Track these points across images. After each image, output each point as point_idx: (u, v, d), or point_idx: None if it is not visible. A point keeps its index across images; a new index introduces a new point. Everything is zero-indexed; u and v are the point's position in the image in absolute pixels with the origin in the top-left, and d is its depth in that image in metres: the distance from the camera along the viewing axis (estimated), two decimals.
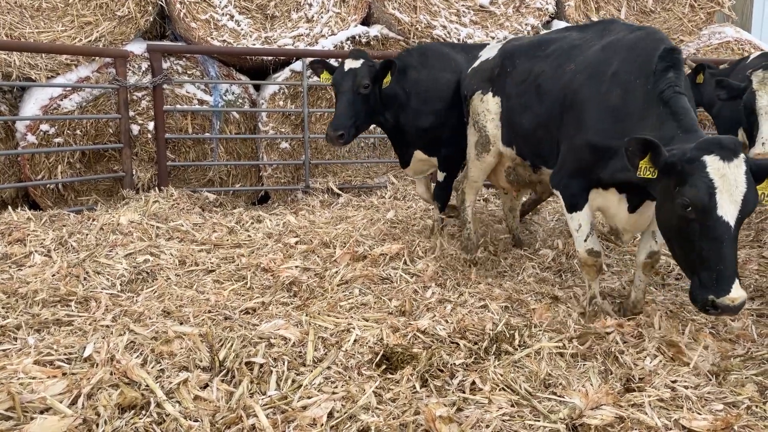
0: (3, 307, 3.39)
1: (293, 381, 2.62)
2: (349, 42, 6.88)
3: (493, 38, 7.30)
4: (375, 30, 7.02)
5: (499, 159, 4.30)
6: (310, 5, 6.88)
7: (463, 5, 7.23)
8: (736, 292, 2.39)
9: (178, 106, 6.48)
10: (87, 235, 4.86)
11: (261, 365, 2.68)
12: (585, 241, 3.34)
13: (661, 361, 2.80)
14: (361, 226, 5.29)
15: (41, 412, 2.25)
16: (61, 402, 2.32)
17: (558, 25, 7.54)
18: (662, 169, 2.60)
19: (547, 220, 5.89)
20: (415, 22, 7.04)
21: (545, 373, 2.76)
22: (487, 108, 4.16)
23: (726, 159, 2.43)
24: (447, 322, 3.26)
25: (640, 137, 2.61)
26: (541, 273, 4.31)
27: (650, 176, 2.65)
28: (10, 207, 5.49)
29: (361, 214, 5.86)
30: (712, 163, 2.44)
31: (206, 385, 2.55)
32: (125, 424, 2.24)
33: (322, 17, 6.92)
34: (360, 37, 6.94)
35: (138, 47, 6.35)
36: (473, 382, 2.69)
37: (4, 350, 2.82)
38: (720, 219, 2.42)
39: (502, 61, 4.06)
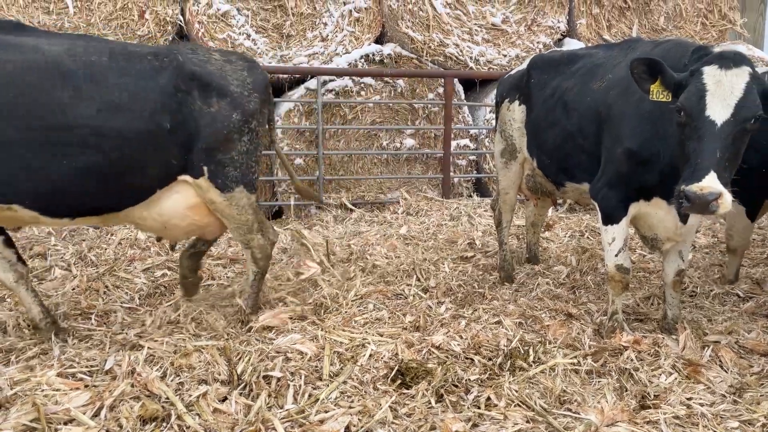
0: (25, 320, 3.47)
1: (310, 395, 2.66)
2: (362, 60, 6.99)
3: (505, 56, 7.38)
4: (388, 48, 7.13)
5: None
6: (325, 24, 7.01)
7: (475, 24, 7.32)
8: (707, 182, 2.36)
9: None
10: (106, 249, 4.95)
11: (278, 379, 2.72)
12: (616, 255, 3.31)
13: (676, 379, 2.81)
14: (373, 241, 5.33)
15: (65, 423, 2.30)
16: (84, 413, 2.37)
17: (570, 43, 7.61)
18: (674, 92, 2.65)
19: (560, 236, 5.90)
20: (428, 41, 7.14)
21: (560, 389, 2.77)
22: (513, 117, 4.23)
23: (724, 67, 2.49)
24: (461, 337, 3.28)
25: (642, 57, 2.70)
26: (554, 289, 4.32)
27: (665, 99, 2.68)
28: None
29: (375, 230, 5.91)
30: (710, 71, 2.52)
31: (225, 398, 2.59)
32: None
33: (336, 36, 7.04)
34: (374, 55, 7.05)
35: None
36: (488, 398, 2.71)
37: (27, 362, 2.88)
38: (707, 119, 2.46)
39: (529, 71, 4.14)
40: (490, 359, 3.08)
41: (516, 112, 4.20)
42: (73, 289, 4.09)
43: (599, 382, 2.85)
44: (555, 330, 3.34)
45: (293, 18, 6.89)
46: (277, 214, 7.30)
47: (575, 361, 3.01)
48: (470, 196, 7.44)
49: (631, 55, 3.34)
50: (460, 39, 7.25)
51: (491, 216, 6.59)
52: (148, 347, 3.07)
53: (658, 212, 3.13)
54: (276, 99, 6.98)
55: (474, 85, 7.68)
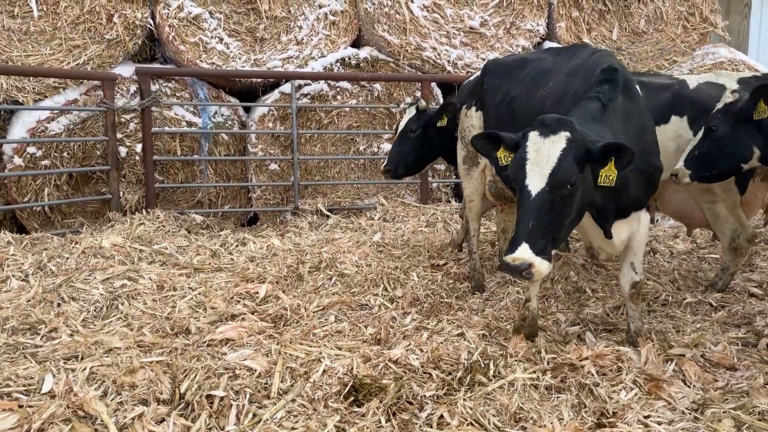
0: None
1: (254, 415, 2.54)
2: (338, 64, 6.89)
3: (483, 60, 7.29)
4: (365, 52, 7.04)
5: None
6: (300, 28, 6.90)
7: (453, 27, 7.24)
8: (519, 253, 2.51)
9: (167, 128, 6.47)
10: (68, 258, 4.81)
11: (221, 398, 2.60)
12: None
13: (636, 395, 2.71)
14: (345, 249, 5.22)
15: None
16: None
17: (550, 46, 7.54)
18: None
19: None
20: (405, 44, 7.05)
21: (517, 406, 2.66)
22: (472, 123, 4.16)
23: (543, 135, 2.59)
24: (422, 351, 3.17)
25: (479, 134, 2.88)
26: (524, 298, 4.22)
27: (506, 164, 2.79)
28: None
29: (348, 236, 5.80)
30: (532, 137, 2.62)
31: (163, 420, 2.47)
32: None
33: (312, 39, 6.94)
34: (350, 59, 6.95)
35: (126, 70, 6.37)
36: (441, 416, 2.60)
37: None
38: (526, 188, 2.58)
39: (483, 77, 4.06)
40: (449, 374, 2.96)
41: (473, 118, 4.14)
42: (28, 300, 3.95)
43: (558, 398, 2.75)
44: (516, 343, 3.23)
45: (267, 21, 6.79)
46: (252, 220, 7.18)
47: (535, 375, 2.91)
48: (449, 201, 7.35)
49: (574, 61, 3.27)
50: (437, 42, 7.16)
51: None
52: (93, 363, 2.95)
53: (585, 222, 3.10)
54: (250, 104, 6.88)
55: (452, 89, 7.59)
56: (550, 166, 2.54)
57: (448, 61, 7.15)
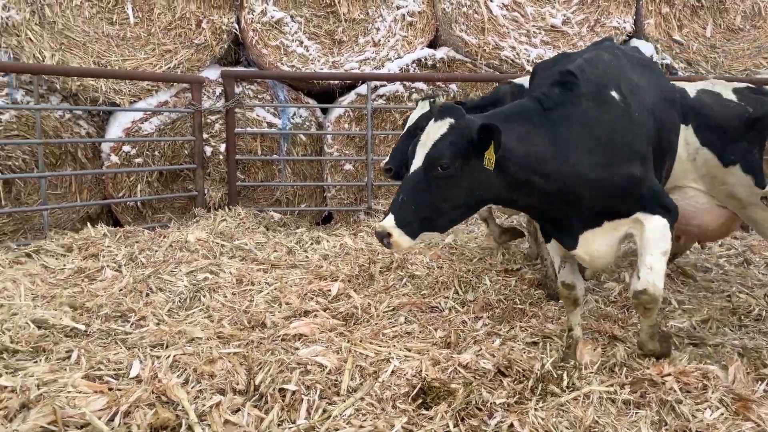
0: (72, 319, 3.60)
1: (324, 411, 2.59)
2: (414, 65, 6.91)
3: None
4: (441, 52, 7.01)
5: None
6: (378, 30, 6.97)
7: (533, 25, 7.07)
8: (384, 222, 2.64)
9: (249, 128, 6.73)
10: (156, 251, 5.10)
11: (293, 392, 2.67)
12: (558, 272, 3.28)
13: (723, 414, 2.54)
14: (416, 250, 5.22)
15: (80, 428, 2.35)
16: (100, 418, 2.41)
17: (637, 44, 7.21)
18: None
19: None
20: (482, 44, 6.96)
21: (592, 419, 2.57)
22: None
23: (434, 121, 2.71)
24: (492, 356, 3.13)
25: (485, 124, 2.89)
26: (604, 308, 4.07)
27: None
28: (95, 223, 5.90)
29: (419, 238, 5.78)
30: (429, 124, 2.74)
31: (238, 410, 2.57)
32: None
33: (388, 41, 6.99)
34: (426, 59, 6.95)
35: (213, 73, 6.67)
36: (511, 425, 2.55)
37: (59, 363, 2.98)
38: (411, 167, 2.70)
39: (531, 78, 3.98)
40: (520, 382, 2.91)
41: None
42: (120, 290, 4.23)
43: (637, 413, 2.63)
44: (592, 354, 3.12)
45: (345, 24, 6.90)
46: (327, 219, 7.33)
47: (612, 389, 2.79)
48: None
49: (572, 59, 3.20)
50: (516, 42, 7.02)
51: None
52: (176, 352, 3.11)
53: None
54: (327, 105, 7.02)
55: None
56: (427, 147, 2.66)
57: (528, 61, 6.99)
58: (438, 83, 6.99)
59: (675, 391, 2.72)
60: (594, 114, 2.85)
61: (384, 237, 2.64)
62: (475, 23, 6.93)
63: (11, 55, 5.91)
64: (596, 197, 2.86)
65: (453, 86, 7.05)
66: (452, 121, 2.66)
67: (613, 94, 2.92)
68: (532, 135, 2.76)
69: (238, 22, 6.69)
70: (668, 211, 2.99)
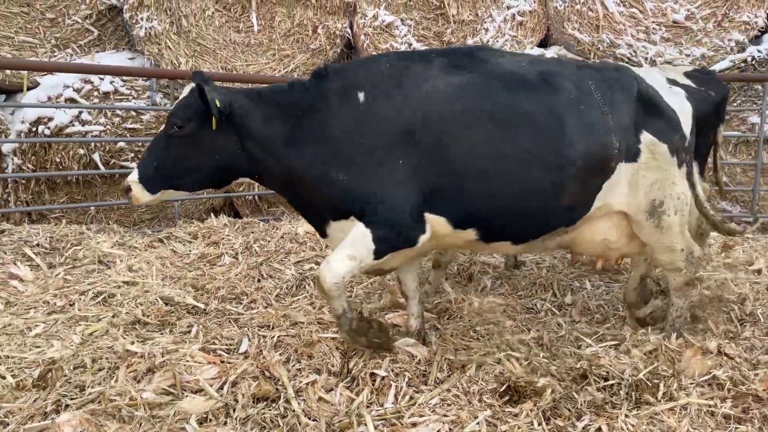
0: (194, 299, 4.02)
1: (410, 398, 2.71)
2: None
3: (687, 56, 6.66)
4: (551, 51, 6.88)
5: None
6: (486, 30, 6.98)
7: (653, 21, 6.73)
8: (128, 177, 2.91)
9: None
10: (269, 242, 5.50)
11: (383, 378, 2.82)
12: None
13: None
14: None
15: (194, 392, 2.65)
16: (211, 386, 2.71)
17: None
18: None
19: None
20: (596, 42, 6.73)
21: (686, 431, 2.48)
22: None
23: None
24: (584, 360, 3.08)
25: None
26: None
27: None
28: (218, 213, 6.46)
29: None
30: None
31: (331, 389, 2.76)
32: (256, 413, 2.53)
33: (497, 41, 6.97)
34: None
35: None
36: (599, 429, 2.53)
37: (181, 335, 3.35)
38: None
39: None
40: (612, 387, 2.85)
41: None
42: (236, 275, 4.63)
43: (737, 429, 2.49)
44: (694, 365, 2.97)
45: (454, 26, 6.98)
46: None
47: (712, 402, 2.66)
48: None
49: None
50: (634, 39, 6.72)
51: None
52: (281, 333, 3.38)
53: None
54: None
55: None
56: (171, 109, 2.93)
57: (646, 58, 6.66)
58: None
59: None
60: (333, 111, 2.80)
61: (127, 190, 2.89)
62: (589, 20, 6.72)
63: (153, 62, 6.63)
64: (313, 191, 2.82)
65: None
66: (193, 85, 2.81)
67: (360, 95, 2.80)
68: (275, 118, 2.82)
69: (351, 27, 7.00)
70: (387, 225, 2.75)
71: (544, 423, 2.56)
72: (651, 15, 6.72)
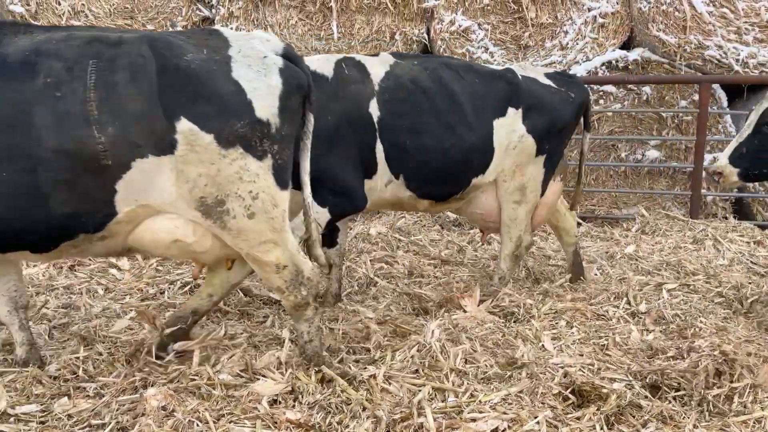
0: (269, 290, 4.25)
1: (471, 395, 2.76)
2: (603, 67, 6.67)
3: None
4: (635, 54, 6.67)
5: None
6: (566, 33, 6.87)
7: (745, 21, 6.37)
8: None
9: None
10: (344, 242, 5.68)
11: (446, 374, 2.88)
12: None
13: None
14: (590, 258, 5.09)
15: (264, 377, 2.82)
16: (280, 372, 2.87)
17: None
18: None
19: None
20: (683, 43, 6.46)
21: None
22: None
23: None
24: (651, 366, 3.00)
25: None
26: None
27: None
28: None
29: (596, 246, 5.61)
30: None
31: (392, 380, 2.85)
32: (323, 398, 2.66)
33: (577, 44, 6.84)
34: (617, 61, 6.67)
35: None
36: None
37: (258, 324, 3.58)
38: None
39: None
40: (682, 398, 2.78)
41: None
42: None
43: None
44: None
45: (532, 29, 6.92)
46: None
47: None
48: (725, 217, 6.50)
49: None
50: (724, 40, 6.39)
51: (746, 242, 5.70)
52: (345, 327, 3.51)
53: None
54: None
55: (740, 91, 6.67)
56: None
57: (737, 60, 6.32)
58: (631, 86, 6.66)
59: None
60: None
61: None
62: (676, 21, 6.46)
63: None
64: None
65: (647, 89, 6.65)
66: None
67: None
68: None
69: (428, 32, 7.09)
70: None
71: (606, 428, 2.54)
72: (743, 15, 6.36)
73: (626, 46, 6.95)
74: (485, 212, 4.16)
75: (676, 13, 6.46)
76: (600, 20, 6.80)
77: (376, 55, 3.86)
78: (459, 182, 3.91)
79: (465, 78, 3.83)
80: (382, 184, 3.71)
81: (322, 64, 3.59)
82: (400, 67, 3.75)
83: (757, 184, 6.30)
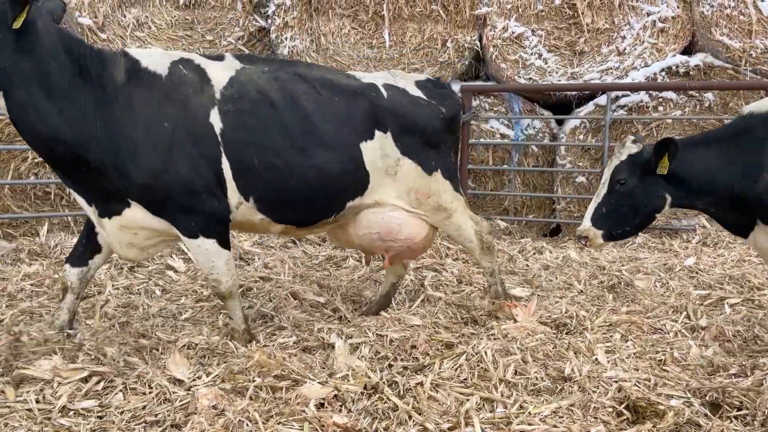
0: (315, 294, 4.31)
1: (521, 406, 2.70)
2: (663, 73, 6.45)
3: None
4: (696, 59, 6.43)
5: None
6: (623, 38, 6.69)
7: None
8: None
9: (482, 140, 7.03)
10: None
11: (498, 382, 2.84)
12: None
13: None
14: (647, 270, 4.92)
15: (310, 380, 2.84)
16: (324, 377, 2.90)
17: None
18: None
19: None
20: (749, 48, 6.19)
21: None
22: None
23: None
24: (711, 383, 2.87)
25: None
26: None
27: None
28: None
29: (654, 257, 5.41)
30: None
31: (440, 389, 2.82)
32: (370, 404, 2.67)
33: (635, 49, 6.65)
34: (677, 67, 6.45)
35: (455, 88, 7.13)
36: None
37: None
38: None
39: None
40: (745, 417, 2.64)
41: None
42: (359, 277, 4.86)
43: None
44: None
45: (588, 35, 6.78)
46: (554, 231, 7.25)
47: None
48: None
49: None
50: None
51: None
52: (391, 335, 3.51)
53: None
54: (562, 116, 6.97)
55: None
56: None
57: None
58: (692, 92, 6.42)
59: None
60: None
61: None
62: (740, 26, 6.20)
63: None
64: None
65: (709, 95, 6.39)
66: None
67: None
68: None
69: (480, 39, 7.05)
70: None
71: None
72: None
73: (687, 51, 6.71)
74: (382, 231, 3.70)
75: (741, 17, 6.20)
76: (660, 25, 6.59)
77: (221, 58, 3.40)
78: (327, 207, 3.52)
79: (321, 94, 3.41)
80: (233, 205, 3.28)
81: (155, 60, 3.17)
82: (247, 73, 3.32)
83: None
